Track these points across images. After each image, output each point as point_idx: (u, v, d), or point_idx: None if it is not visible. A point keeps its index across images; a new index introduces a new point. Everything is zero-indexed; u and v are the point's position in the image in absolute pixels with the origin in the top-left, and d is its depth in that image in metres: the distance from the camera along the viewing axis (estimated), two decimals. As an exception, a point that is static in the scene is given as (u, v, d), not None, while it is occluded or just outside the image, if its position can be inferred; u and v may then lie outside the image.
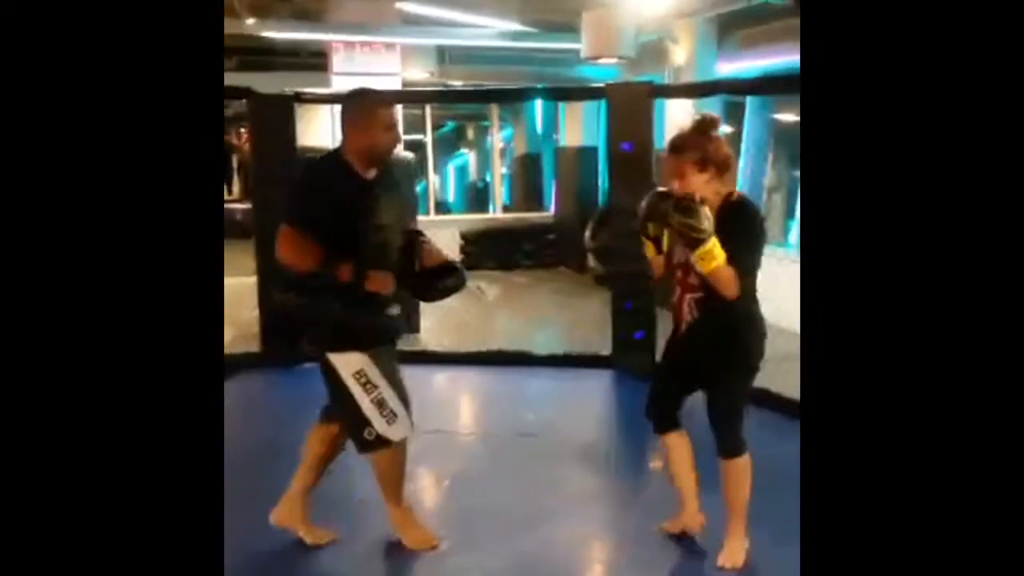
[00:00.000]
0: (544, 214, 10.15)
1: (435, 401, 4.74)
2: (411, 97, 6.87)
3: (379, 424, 2.54)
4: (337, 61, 6.98)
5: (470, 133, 16.08)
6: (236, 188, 13.13)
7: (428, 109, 9.91)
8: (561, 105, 10.29)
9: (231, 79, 4.18)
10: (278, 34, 7.46)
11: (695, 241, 2.33)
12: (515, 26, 7.77)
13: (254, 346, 5.04)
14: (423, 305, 6.14)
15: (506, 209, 10.93)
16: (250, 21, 7.03)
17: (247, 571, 2.61)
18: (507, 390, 4.71)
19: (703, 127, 2.51)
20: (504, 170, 12.29)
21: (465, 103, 12.32)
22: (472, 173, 15.92)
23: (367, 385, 2.53)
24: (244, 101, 5.14)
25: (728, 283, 2.40)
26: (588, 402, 4.49)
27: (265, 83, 5.38)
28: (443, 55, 8.61)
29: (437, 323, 6.20)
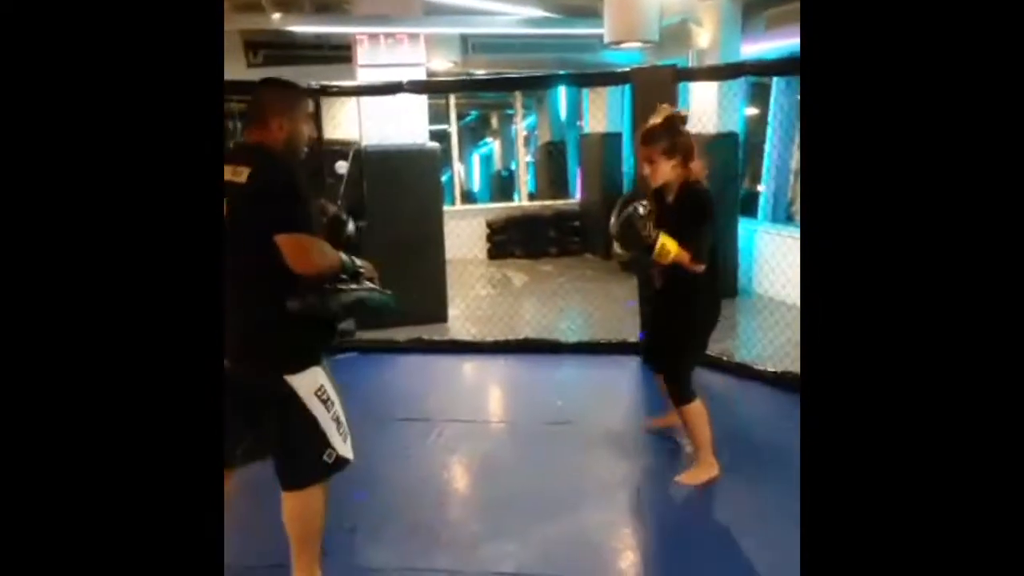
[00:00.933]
0: (569, 201, 10.13)
1: (464, 390, 4.79)
2: (435, 87, 6.89)
3: (338, 443, 2.29)
4: (362, 53, 7.00)
5: (494, 122, 16.07)
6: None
7: (452, 99, 9.91)
8: (584, 91, 10.24)
9: (258, 74, 4.23)
10: (303, 28, 7.51)
11: (647, 247, 2.90)
12: (538, 12, 7.74)
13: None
14: (450, 294, 6.20)
15: (531, 197, 10.92)
16: (276, 16, 7.09)
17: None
18: (536, 378, 4.74)
19: (670, 121, 2.98)
20: (528, 158, 12.28)
21: (489, 91, 12.31)
22: (497, 162, 15.92)
23: (327, 402, 2.27)
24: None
25: (689, 264, 2.93)
26: (617, 389, 4.50)
27: (290, 76, 5.43)
28: (466, 44, 8.61)
29: (464, 312, 6.25)
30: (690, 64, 6.83)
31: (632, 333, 4.95)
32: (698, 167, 3.04)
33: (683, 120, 3.03)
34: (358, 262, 2.34)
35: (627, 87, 5.59)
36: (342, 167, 6.19)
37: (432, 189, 6.11)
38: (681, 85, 4.83)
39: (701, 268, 2.95)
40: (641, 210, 2.91)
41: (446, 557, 2.75)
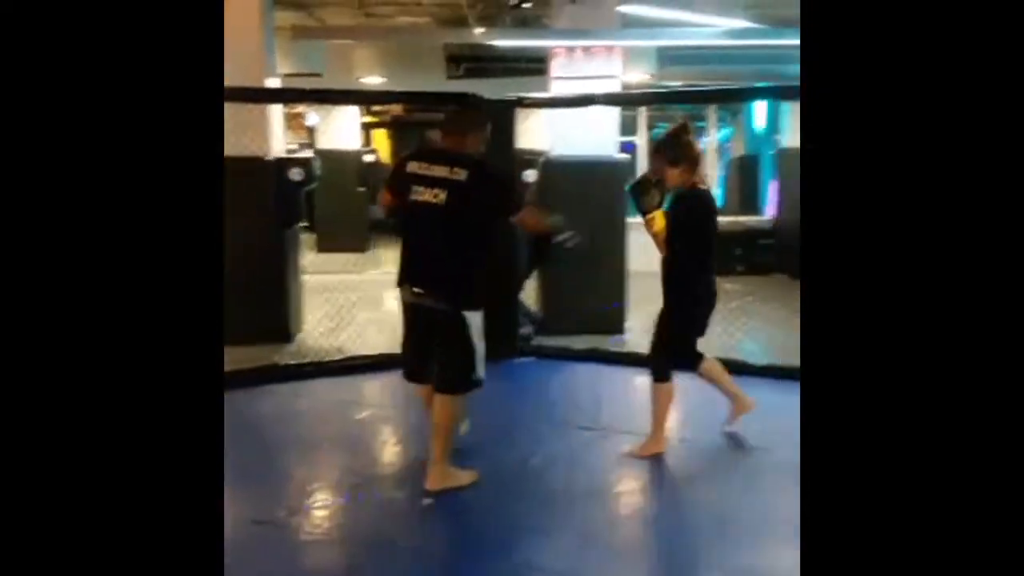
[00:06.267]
0: (760, 218, 9.71)
1: (640, 403, 4.70)
2: (628, 99, 6.87)
3: (481, 368, 3.19)
4: (556, 66, 7.13)
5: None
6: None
7: (643, 111, 9.84)
8: (784, 104, 9.77)
9: (457, 86, 4.41)
10: (504, 42, 7.78)
11: (642, 211, 3.52)
12: (743, 23, 7.50)
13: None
14: (630, 306, 6.14)
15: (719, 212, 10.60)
16: (478, 31, 7.40)
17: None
18: (718, 397, 4.57)
19: (675, 133, 3.55)
20: (719, 172, 11.91)
21: (684, 104, 12.10)
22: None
23: (481, 337, 3.16)
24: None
25: (661, 245, 3.53)
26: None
27: (487, 88, 5.63)
28: (663, 56, 8.52)
29: (643, 324, 6.15)
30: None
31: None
32: (702, 173, 3.60)
33: (687, 131, 3.54)
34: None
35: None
36: (530, 175, 6.33)
37: (617, 200, 6.09)
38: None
39: (664, 254, 3.53)
40: (653, 179, 3.56)
41: (617, 569, 2.71)
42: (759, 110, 11.23)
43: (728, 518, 3.03)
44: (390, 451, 4.01)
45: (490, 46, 7.91)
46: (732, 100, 10.00)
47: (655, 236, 3.51)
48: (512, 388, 4.83)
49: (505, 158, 5.25)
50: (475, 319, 3.14)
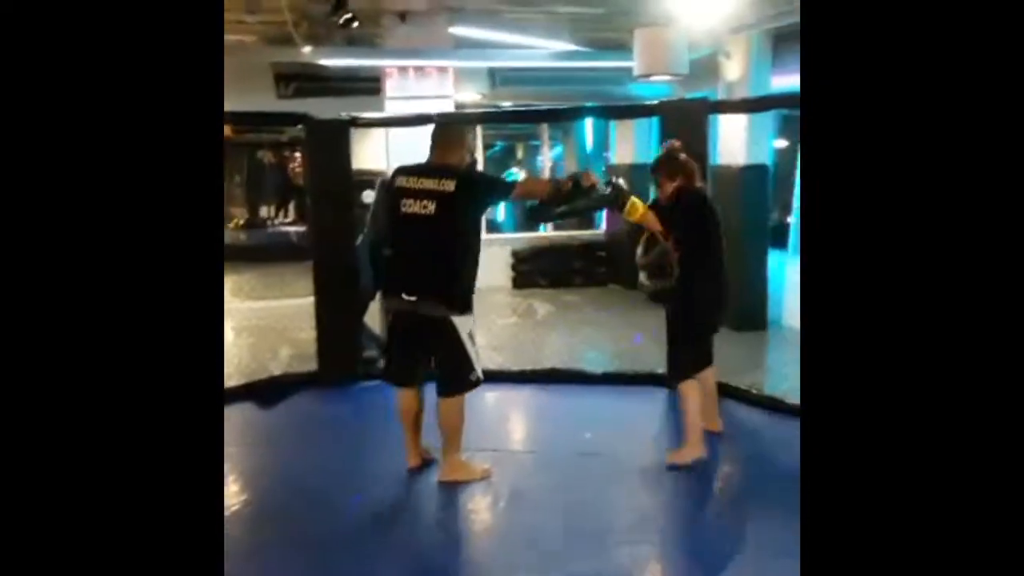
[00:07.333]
0: (595, 232, 10.11)
1: (490, 419, 4.73)
2: (463, 119, 6.94)
3: (479, 369, 3.41)
4: (391, 85, 7.10)
5: (520, 152, 16.16)
6: (291, 211, 13.41)
7: (479, 130, 9.99)
8: (612, 123, 10.26)
9: (288, 105, 4.28)
10: (334, 61, 7.64)
11: (618, 206, 3.53)
12: (568, 46, 7.81)
13: (311, 365, 5.12)
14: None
15: (556, 227, 10.92)
16: (307, 49, 7.22)
17: None
18: (563, 409, 4.68)
19: (669, 152, 3.68)
20: (555, 189, 12.28)
21: (516, 123, 12.40)
22: (523, 192, 15.93)
23: (473, 340, 3.38)
24: (300, 126, 5.25)
25: (652, 224, 3.57)
26: (646, 420, 4.43)
27: (320, 108, 5.51)
28: (494, 77, 8.70)
29: (489, 340, 6.22)
30: (719, 97, 6.83)
31: (659, 364, 4.89)
32: (700, 182, 3.69)
33: (679, 150, 3.69)
34: (583, 183, 3.45)
35: (655, 119, 5.59)
36: (368, 196, 6.24)
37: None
38: (711, 117, 4.82)
39: (659, 228, 3.57)
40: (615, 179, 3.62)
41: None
42: (588, 129, 11.72)
43: (573, 525, 3.10)
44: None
45: (320, 65, 7.75)
46: (562, 119, 10.34)
47: (640, 221, 3.55)
48: (355, 412, 4.71)
49: (340, 177, 5.15)
50: (465, 323, 3.34)
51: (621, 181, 3.61)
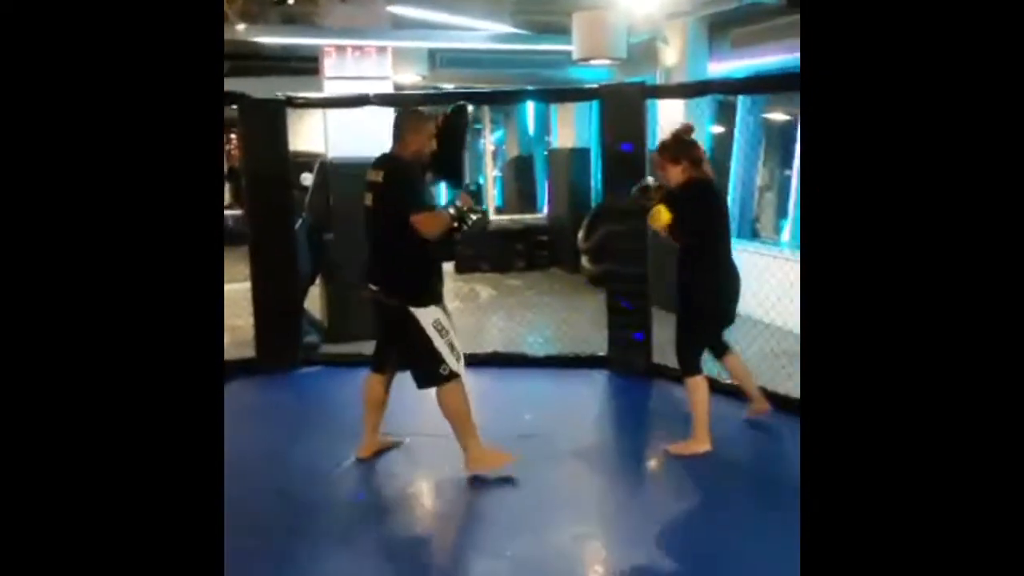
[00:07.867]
0: (537, 215, 10.15)
1: (430, 403, 4.74)
2: (402, 100, 6.86)
3: (451, 361, 3.26)
4: (328, 65, 6.96)
5: (462, 136, 16.05)
6: (226, 195, 13.05)
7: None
8: (553, 107, 10.29)
9: (224, 85, 4.14)
10: (269, 39, 7.45)
11: (645, 211, 3.51)
12: (507, 28, 7.77)
13: (249, 352, 5.03)
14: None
15: (499, 211, 10.93)
16: (240, 27, 7.02)
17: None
18: (504, 391, 4.71)
19: (679, 133, 3.56)
20: (496, 172, 12.29)
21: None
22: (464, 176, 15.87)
23: (442, 331, 3.27)
24: (235, 106, 5.12)
25: (675, 236, 3.46)
26: (586, 402, 4.50)
27: (256, 88, 5.37)
28: (434, 58, 8.61)
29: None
30: (658, 82, 6.91)
31: (599, 346, 4.95)
32: (707, 169, 3.59)
33: (688, 133, 3.59)
34: (463, 208, 3.35)
35: (595, 103, 5.63)
36: (307, 179, 6.13)
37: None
38: (649, 102, 4.87)
39: (683, 242, 3.48)
40: (651, 181, 3.63)
41: (416, 573, 2.70)
42: (530, 112, 11.72)
43: (513, 506, 3.13)
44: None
45: (256, 43, 7.54)
46: (503, 102, 10.30)
47: (662, 230, 3.48)
48: (294, 400, 4.66)
49: (277, 159, 5.05)
50: (425, 314, 3.25)
51: (651, 180, 3.62)
